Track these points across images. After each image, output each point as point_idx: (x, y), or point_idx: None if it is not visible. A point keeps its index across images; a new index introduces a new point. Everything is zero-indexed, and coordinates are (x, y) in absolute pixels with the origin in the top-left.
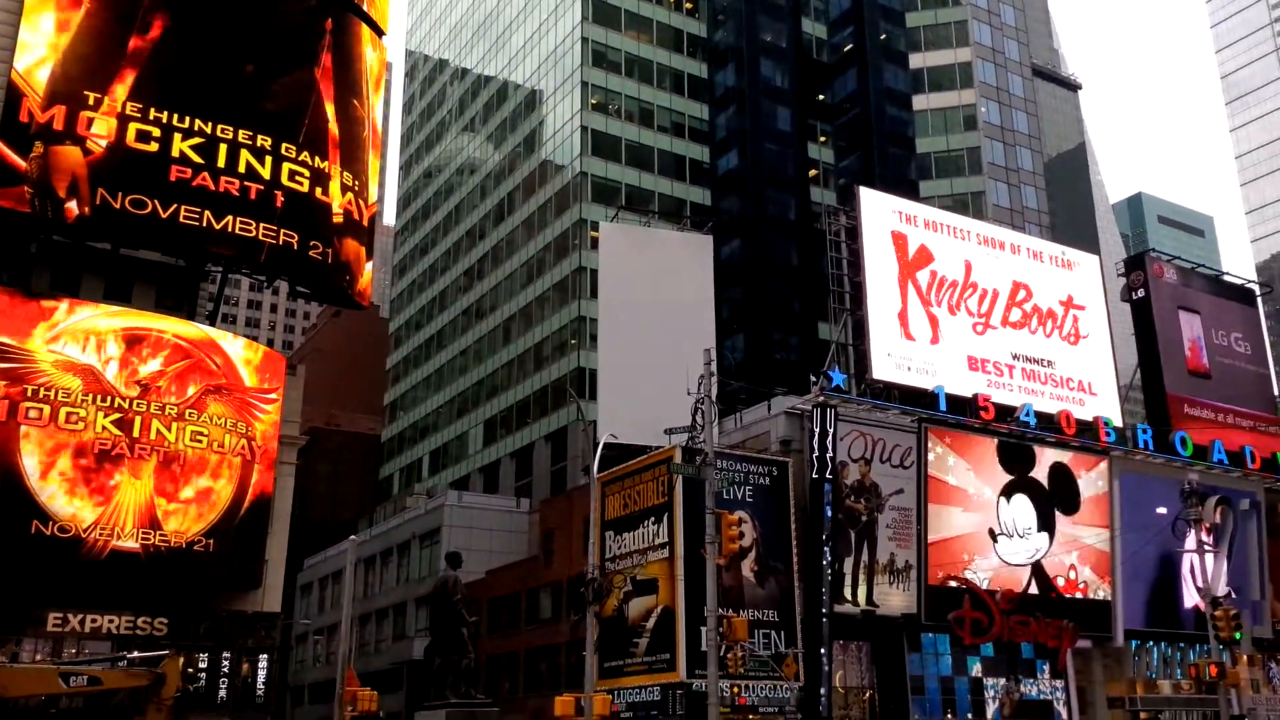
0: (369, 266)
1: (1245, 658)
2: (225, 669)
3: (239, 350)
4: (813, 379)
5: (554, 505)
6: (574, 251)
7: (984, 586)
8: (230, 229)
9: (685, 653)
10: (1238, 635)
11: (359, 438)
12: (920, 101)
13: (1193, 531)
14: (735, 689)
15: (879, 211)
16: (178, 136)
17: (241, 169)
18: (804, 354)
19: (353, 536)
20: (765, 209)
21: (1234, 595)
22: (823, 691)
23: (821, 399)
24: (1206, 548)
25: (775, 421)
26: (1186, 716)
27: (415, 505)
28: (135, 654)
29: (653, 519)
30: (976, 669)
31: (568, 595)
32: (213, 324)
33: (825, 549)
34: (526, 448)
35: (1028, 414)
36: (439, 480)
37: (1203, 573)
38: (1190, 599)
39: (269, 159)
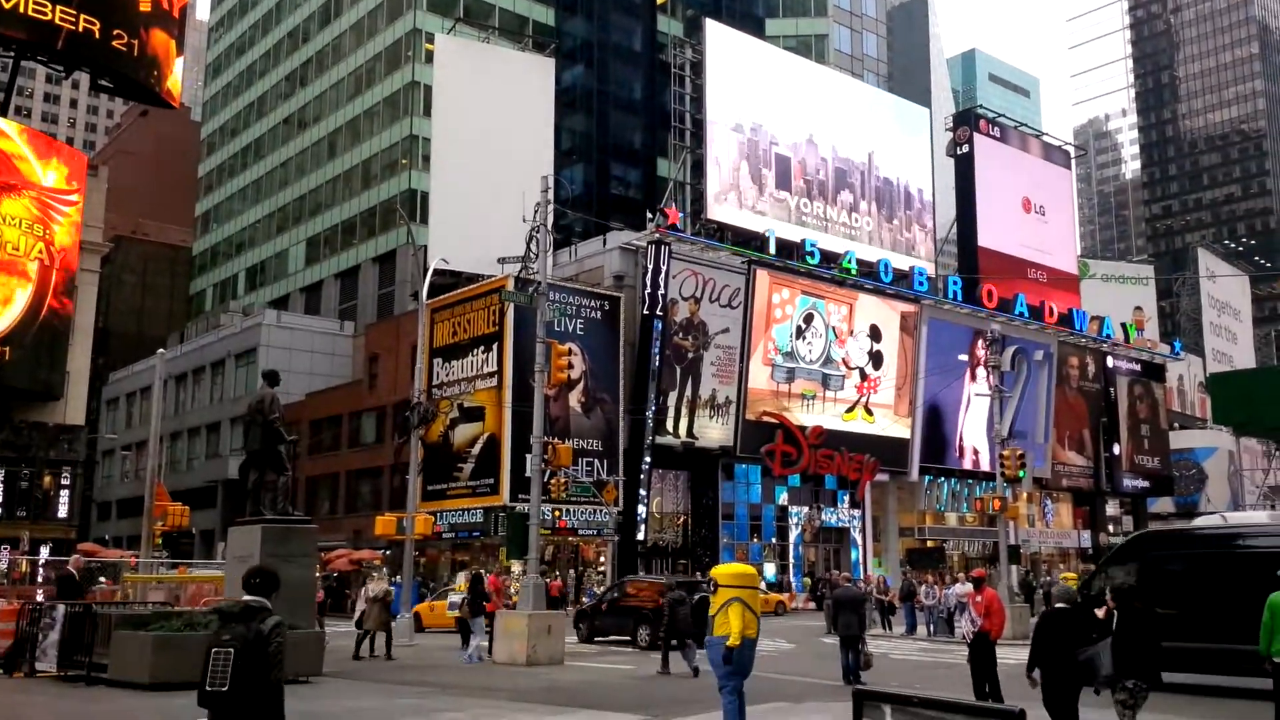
0: (179, 63)
1: (1025, 495)
2: (25, 482)
3: (28, 142)
4: (649, 215)
5: (380, 329)
6: (407, 64)
7: (796, 422)
8: (21, 9)
9: (510, 478)
10: (1021, 474)
11: (168, 249)
12: None
13: (990, 377)
14: (557, 513)
15: (725, 47)
16: None
17: None
18: (643, 190)
19: (161, 351)
20: (610, 35)
21: (1021, 437)
22: (640, 516)
23: (657, 236)
24: (1001, 392)
25: (610, 256)
26: (968, 545)
27: (230, 323)
28: None
29: (482, 347)
30: (783, 498)
31: (392, 420)
32: (3, 115)
33: (652, 383)
34: (352, 269)
35: (849, 260)
36: (256, 298)
37: (995, 416)
38: (980, 440)
39: None
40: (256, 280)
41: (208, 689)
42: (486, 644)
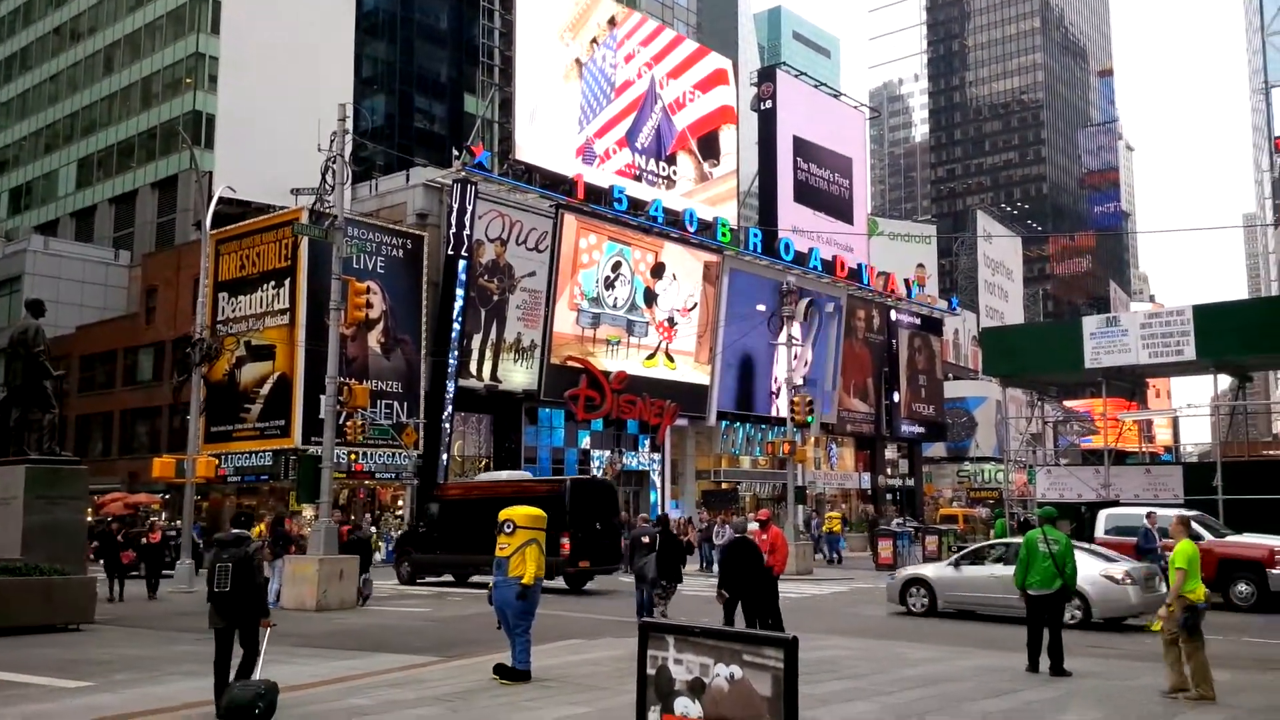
0: None
1: (813, 439)
2: None
3: None
4: (455, 153)
5: (160, 260)
6: None
7: (600, 368)
8: None
9: (302, 420)
10: (809, 420)
11: None
12: None
13: (784, 327)
14: (353, 456)
15: None
16: None
17: None
18: (449, 125)
19: None
20: None
21: (811, 385)
22: (441, 460)
23: (463, 174)
24: (794, 342)
25: (413, 192)
26: (760, 487)
27: None
28: None
29: (273, 283)
30: (586, 442)
31: (172, 357)
32: None
33: (455, 325)
34: (129, 194)
35: (656, 209)
36: (20, 221)
37: (788, 364)
38: (774, 387)
39: None
40: (21, 203)
41: (215, 590)
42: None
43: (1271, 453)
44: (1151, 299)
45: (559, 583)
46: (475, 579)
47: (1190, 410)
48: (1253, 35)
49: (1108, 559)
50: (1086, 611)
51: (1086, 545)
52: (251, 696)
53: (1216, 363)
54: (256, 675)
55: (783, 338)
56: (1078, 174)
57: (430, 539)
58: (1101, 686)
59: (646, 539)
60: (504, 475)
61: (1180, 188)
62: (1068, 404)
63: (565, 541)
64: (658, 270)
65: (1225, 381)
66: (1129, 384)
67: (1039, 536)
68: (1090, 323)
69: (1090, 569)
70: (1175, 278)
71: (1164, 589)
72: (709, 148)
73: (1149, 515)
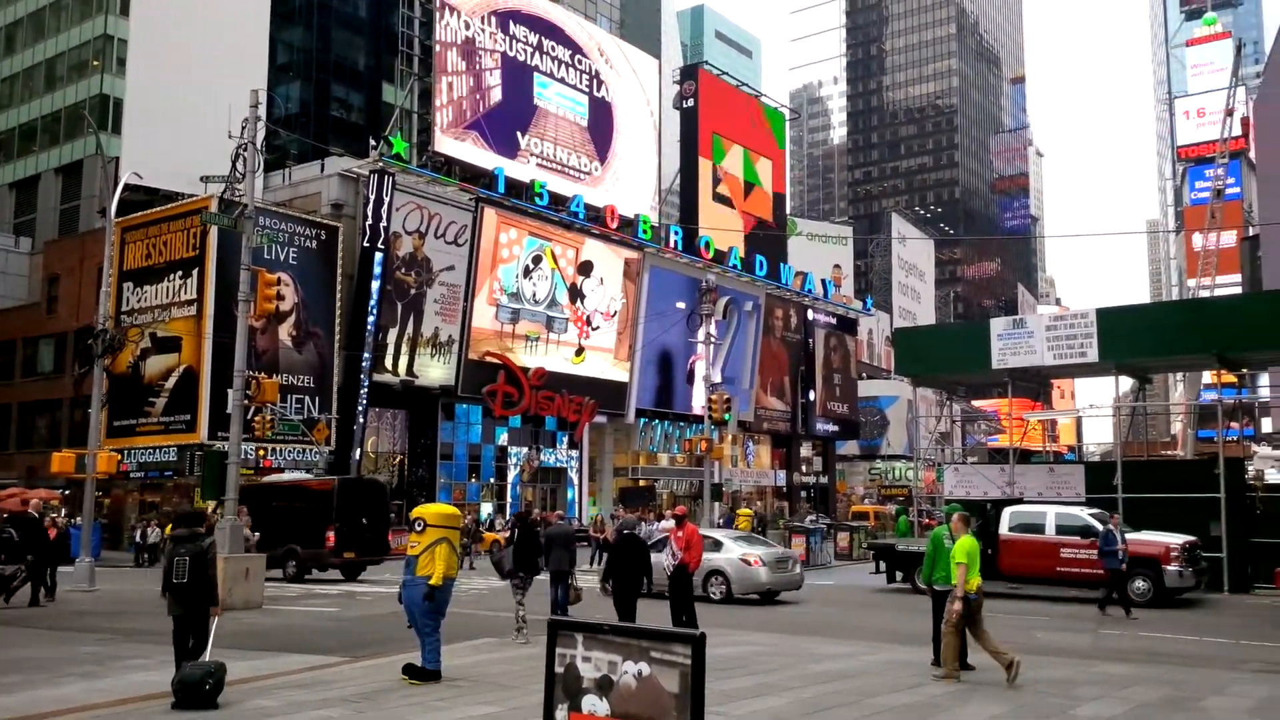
0: None
1: (730, 437)
2: None
3: None
4: (373, 143)
5: (62, 247)
6: None
7: (519, 364)
8: None
9: (208, 414)
10: (727, 417)
11: None
12: None
13: (703, 325)
14: (261, 452)
15: None
16: None
17: None
18: (367, 115)
19: None
20: None
21: (729, 383)
22: (354, 456)
23: (380, 165)
24: (713, 340)
25: (328, 182)
26: (678, 484)
27: None
28: None
29: (180, 272)
30: (504, 438)
31: (74, 348)
32: None
33: (370, 319)
34: (31, 179)
35: (578, 205)
36: None
37: (707, 362)
38: (691, 384)
39: None
40: None
41: (174, 581)
42: None
43: (1169, 453)
44: (1058, 302)
45: (335, 574)
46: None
47: (1093, 411)
48: (1157, 48)
49: (748, 546)
50: (728, 588)
51: (734, 534)
52: (201, 675)
53: (1118, 365)
54: (206, 657)
55: (702, 335)
56: (989, 179)
57: None
58: (1004, 680)
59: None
60: (286, 476)
61: (1087, 194)
62: (976, 404)
63: (330, 535)
64: (585, 268)
65: (1126, 383)
66: (1034, 385)
67: (945, 533)
68: (998, 324)
69: (733, 554)
70: (1081, 281)
71: (798, 571)
72: (632, 145)
73: (1111, 517)
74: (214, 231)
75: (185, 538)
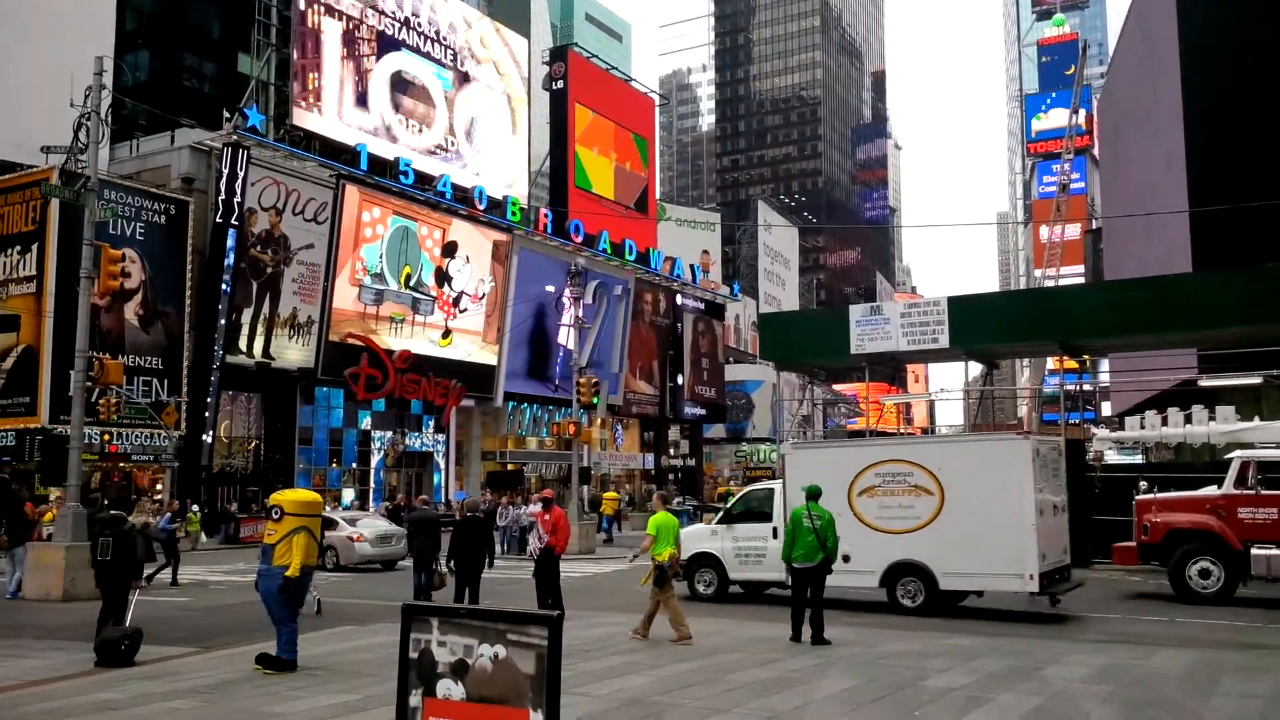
0: None
1: (599, 420)
2: None
3: None
4: (226, 115)
5: None
6: None
7: (383, 346)
8: None
9: (49, 397)
10: (595, 401)
11: None
12: None
13: (571, 308)
14: (106, 436)
15: None
16: None
17: None
18: (220, 86)
19: None
20: None
21: (598, 367)
22: (206, 440)
23: (234, 138)
24: (582, 324)
25: (178, 155)
26: (546, 468)
27: None
28: None
29: (18, 247)
30: (367, 422)
31: None
32: None
33: (223, 298)
34: None
35: (444, 185)
36: None
37: (576, 346)
38: (560, 367)
39: None
40: None
41: (100, 559)
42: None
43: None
44: (914, 290)
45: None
46: None
47: (944, 394)
48: (1010, 46)
49: (353, 525)
50: (336, 560)
51: (344, 514)
52: (119, 636)
53: (968, 351)
54: (127, 624)
55: (570, 318)
56: (850, 170)
57: None
58: (858, 654)
59: (426, 521)
60: None
61: (942, 186)
62: (836, 387)
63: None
64: (449, 249)
65: (976, 368)
66: (890, 369)
67: (804, 512)
68: (856, 311)
69: (342, 532)
70: (936, 270)
71: (400, 547)
72: (500, 125)
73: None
74: (55, 205)
75: (109, 521)
